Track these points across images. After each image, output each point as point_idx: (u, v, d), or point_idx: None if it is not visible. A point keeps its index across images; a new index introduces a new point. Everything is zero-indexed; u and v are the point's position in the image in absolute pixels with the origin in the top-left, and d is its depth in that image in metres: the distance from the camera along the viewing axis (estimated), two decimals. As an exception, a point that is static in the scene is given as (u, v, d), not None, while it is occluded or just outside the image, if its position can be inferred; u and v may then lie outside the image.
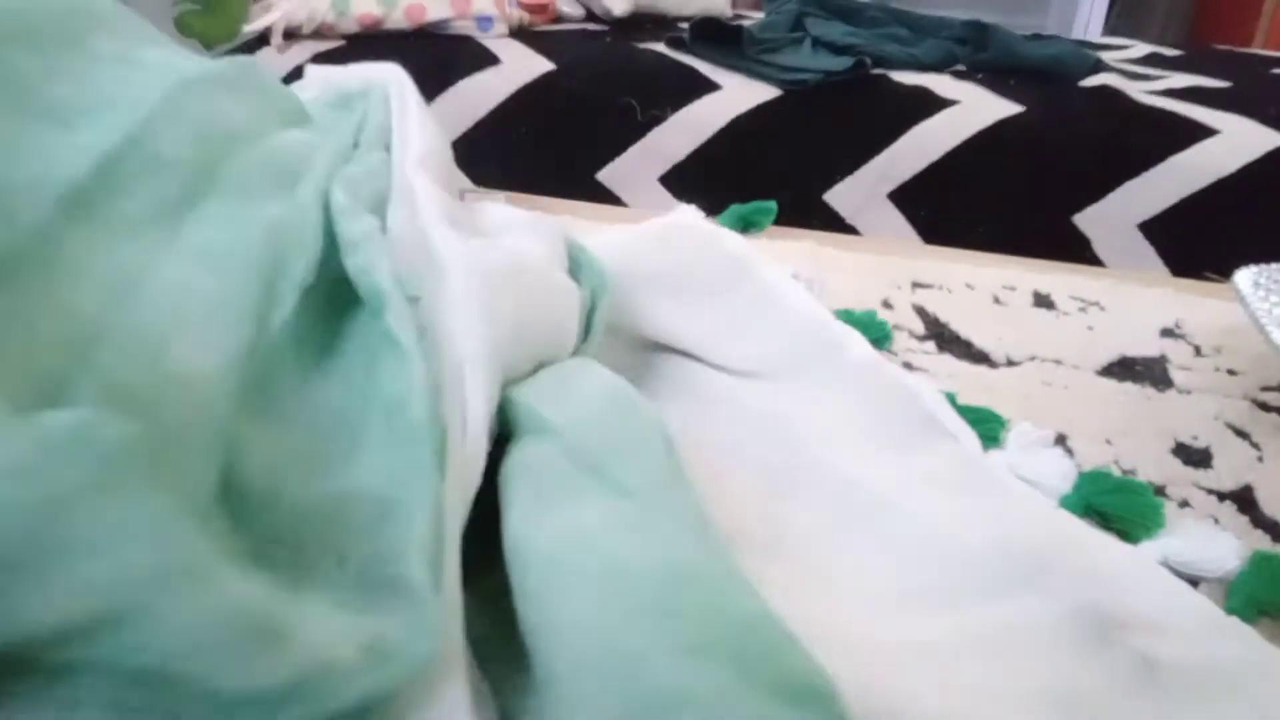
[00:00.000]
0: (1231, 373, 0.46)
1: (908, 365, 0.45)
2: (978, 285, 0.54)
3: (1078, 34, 2.09)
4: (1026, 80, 1.22)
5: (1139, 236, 1.08)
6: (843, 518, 0.31)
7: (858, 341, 0.41)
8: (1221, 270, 0.49)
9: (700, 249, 0.44)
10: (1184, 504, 0.36)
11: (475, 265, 0.32)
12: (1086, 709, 0.26)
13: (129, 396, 0.22)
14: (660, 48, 1.30)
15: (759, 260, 0.45)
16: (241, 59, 0.38)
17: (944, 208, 1.12)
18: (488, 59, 1.22)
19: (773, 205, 0.57)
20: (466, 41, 1.29)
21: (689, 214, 0.47)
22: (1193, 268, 0.71)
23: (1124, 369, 0.46)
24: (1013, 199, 1.11)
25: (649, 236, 0.44)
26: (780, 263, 0.47)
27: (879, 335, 0.44)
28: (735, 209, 0.57)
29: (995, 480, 0.34)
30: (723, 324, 0.41)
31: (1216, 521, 0.35)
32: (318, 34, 1.26)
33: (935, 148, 1.11)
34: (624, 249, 0.42)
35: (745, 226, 0.55)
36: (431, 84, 1.17)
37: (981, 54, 1.32)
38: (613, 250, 0.41)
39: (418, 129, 0.43)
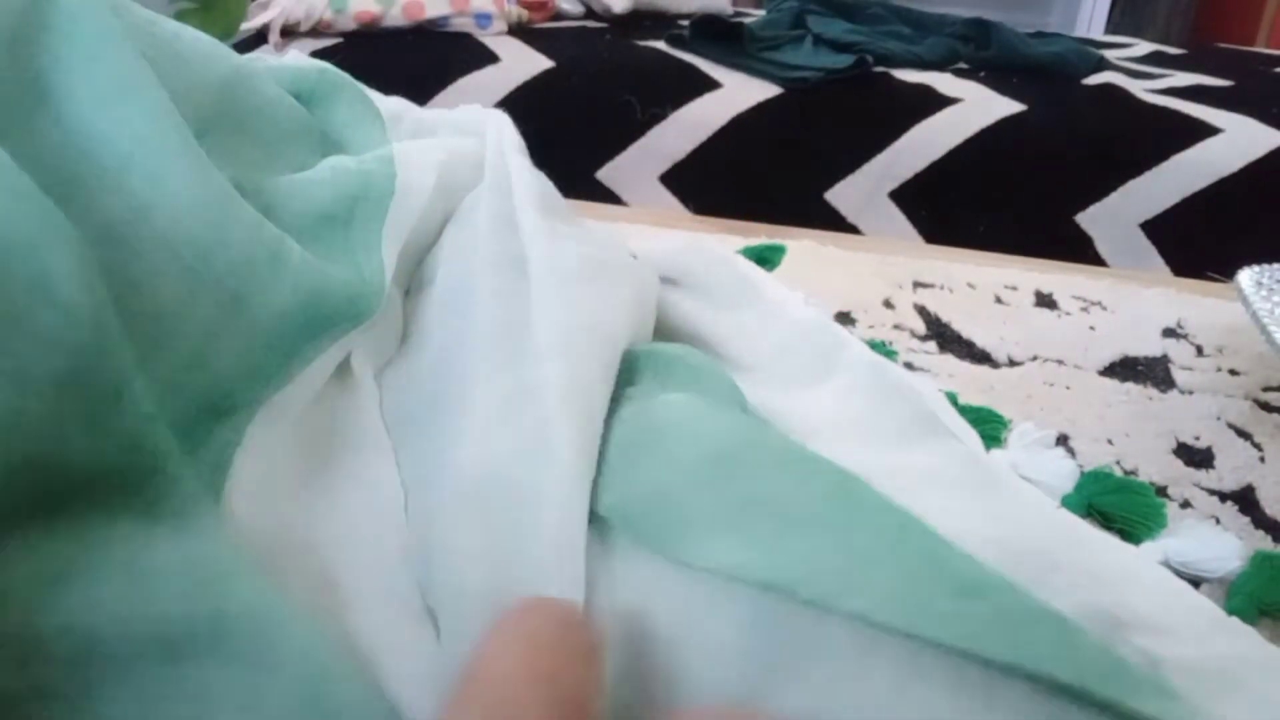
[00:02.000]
0: (1234, 373, 0.46)
1: (909, 365, 0.44)
2: (979, 285, 0.54)
3: (1080, 32, 2.09)
4: (1029, 78, 1.22)
5: (1141, 236, 1.08)
6: None
7: (858, 342, 0.41)
8: (1224, 270, 0.49)
9: (715, 267, 0.45)
10: (1185, 504, 0.36)
11: (557, 262, 0.31)
12: None
13: None
14: (660, 45, 1.29)
15: (771, 284, 0.46)
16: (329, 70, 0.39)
17: (945, 207, 1.12)
18: (486, 57, 1.22)
19: (784, 246, 0.59)
20: (465, 39, 1.29)
21: (704, 240, 0.48)
22: (1195, 267, 0.71)
23: (1126, 369, 0.46)
24: (1015, 198, 1.11)
25: (665, 249, 0.45)
26: (788, 281, 0.47)
27: (883, 354, 0.44)
28: (749, 248, 0.58)
29: (997, 479, 0.34)
30: (733, 329, 0.41)
31: (1218, 522, 0.35)
32: (315, 31, 1.26)
33: (937, 146, 1.11)
34: (641, 253, 0.43)
35: (759, 263, 0.56)
36: (429, 82, 1.17)
37: (984, 52, 1.31)
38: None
39: (510, 128, 0.44)
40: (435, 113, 0.49)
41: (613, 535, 0.22)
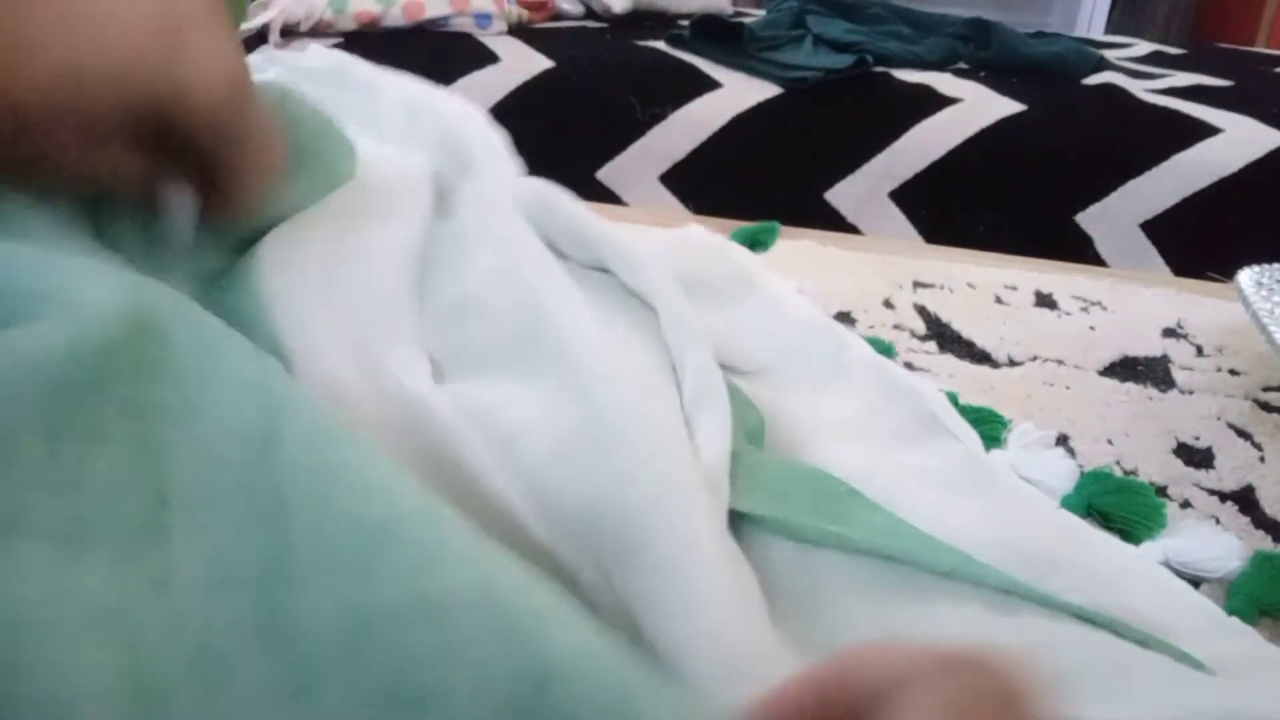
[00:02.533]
0: (1234, 373, 0.46)
1: (909, 365, 0.44)
2: (979, 285, 0.54)
3: (1080, 32, 2.09)
4: (1029, 78, 1.22)
5: (1141, 236, 1.08)
6: None
7: (859, 343, 0.41)
8: (1224, 270, 0.49)
9: (711, 259, 0.45)
10: (1185, 504, 0.36)
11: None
12: None
13: None
14: (661, 45, 1.29)
15: (765, 273, 0.46)
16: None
17: (945, 207, 1.12)
18: (486, 57, 1.22)
19: (776, 225, 0.58)
20: (465, 39, 1.29)
21: (696, 230, 0.47)
22: (1195, 267, 0.71)
23: (1126, 369, 0.46)
24: (1015, 198, 1.11)
25: (662, 244, 0.45)
26: (785, 276, 0.47)
27: (882, 351, 0.44)
28: (743, 229, 0.58)
29: (998, 479, 0.34)
30: (731, 327, 0.41)
31: (1218, 522, 0.35)
32: (315, 31, 1.26)
33: (937, 146, 1.11)
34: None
35: (752, 245, 0.56)
36: (429, 82, 1.17)
37: (984, 52, 1.32)
38: None
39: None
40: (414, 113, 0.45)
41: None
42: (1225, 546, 0.32)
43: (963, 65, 1.30)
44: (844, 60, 1.18)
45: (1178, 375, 0.46)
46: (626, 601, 0.21)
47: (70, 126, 0.19)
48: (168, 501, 0.17)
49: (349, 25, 1.27)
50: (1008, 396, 0.42)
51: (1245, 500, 0.36)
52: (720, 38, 1.26)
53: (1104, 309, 0.52)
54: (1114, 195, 1.07)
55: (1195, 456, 0.39)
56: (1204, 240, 1.04)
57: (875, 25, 1.40)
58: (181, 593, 0.16)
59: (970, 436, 0.37)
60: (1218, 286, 0.56)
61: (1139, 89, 1.19)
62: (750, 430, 0.32)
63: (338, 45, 1.25)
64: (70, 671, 0.14)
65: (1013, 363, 0.46)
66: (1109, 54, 1.43)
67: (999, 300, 0.52)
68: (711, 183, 1.16)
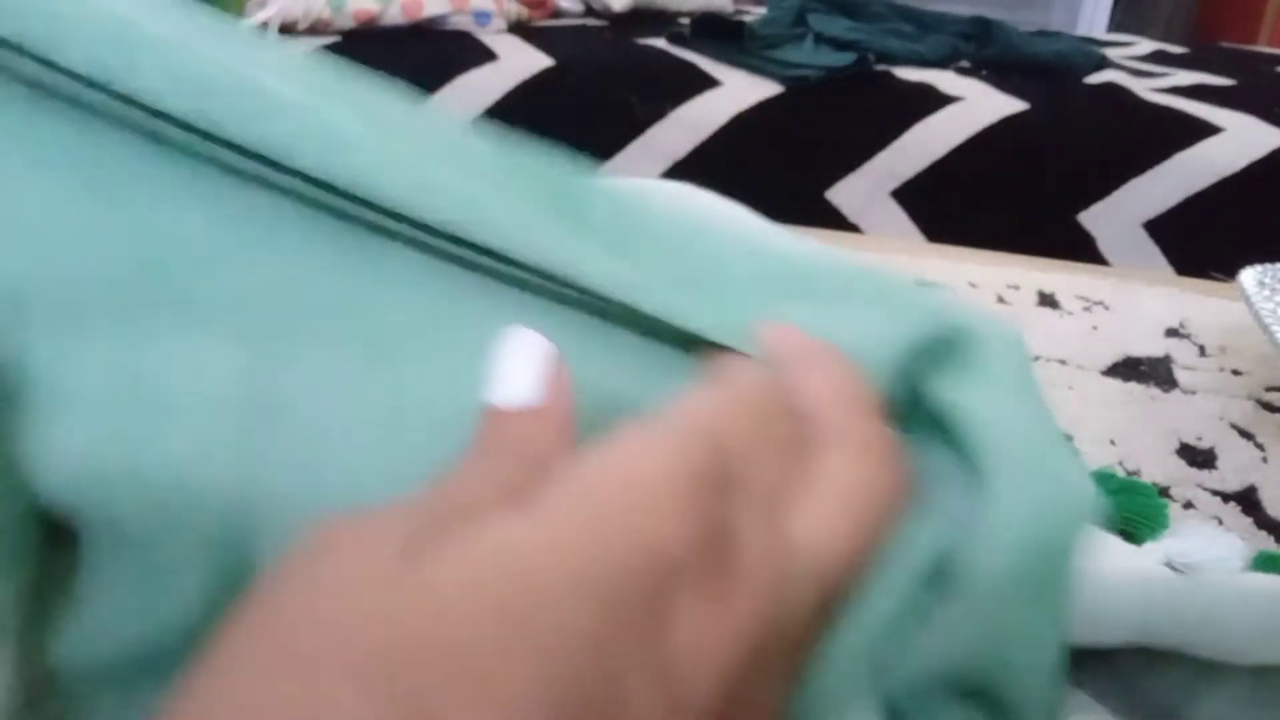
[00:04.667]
0: (1236, 373, 0.46)
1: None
2: (981, 284, 0.54)
3: (1082, 30, 2.08)
4: (1031, 77, 1.21)
5: (1143, 235, 1.07)
6: None
7: None
8: (1226, 269, 0.48)
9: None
10: (1188, 505, 0.36)
11: None
12: None
13: None
14: (661, 43, 1.29)
15: None
16: None
17: (947, 206, 1.12)
18: (485, 55, 1.21)
19: None
20: (464, 37, 1.29)
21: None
22: (1197, 267, 0.71)
23: (1128, 369, 0.46)
24: (1016, 197, 1.11)
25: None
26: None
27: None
28: None
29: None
30: None
31: (1220, 522, 0.35)
32: (314, 29, 1.26)
33: (938, 145, 1.11)
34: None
35: None
36: (428, 80, 1.17)
37: (986, 50, 1.31)
38: None
39: None
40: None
41: None
42: (1228, 547, 0.32)
43: (964, 64, 1.30)
44: (845, 58, 1.18)
45: (1180, 375, 0.45)
46: None
47: None
48: None
49: (347, 24, 1.26)
50: (1009, 396, 0.42)
51: (1248, 501, 0.36)
52: (721, 36, 1.25)
53: (1106, 309, 0.52)
54: (1116, 194, 1.07)
55: (1198, 457, 0.39)
56: (1207, 240, 1.03)
57: (877, 23, 1.40)
58: None
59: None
60: (1221, 286, 0.56)
61: (1141, 88, 1.19)
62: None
63: (336, 43, 1.24)
64: None
65: (1014, 362, 0.46)
66: (1111, 53, 1.43)
67: (1001, 300, 0.52)
68: (712, 182, 1.14)
